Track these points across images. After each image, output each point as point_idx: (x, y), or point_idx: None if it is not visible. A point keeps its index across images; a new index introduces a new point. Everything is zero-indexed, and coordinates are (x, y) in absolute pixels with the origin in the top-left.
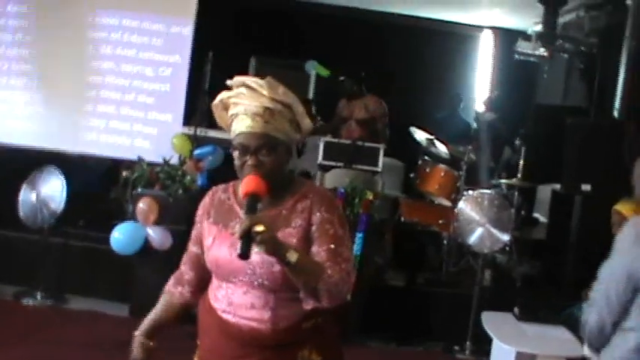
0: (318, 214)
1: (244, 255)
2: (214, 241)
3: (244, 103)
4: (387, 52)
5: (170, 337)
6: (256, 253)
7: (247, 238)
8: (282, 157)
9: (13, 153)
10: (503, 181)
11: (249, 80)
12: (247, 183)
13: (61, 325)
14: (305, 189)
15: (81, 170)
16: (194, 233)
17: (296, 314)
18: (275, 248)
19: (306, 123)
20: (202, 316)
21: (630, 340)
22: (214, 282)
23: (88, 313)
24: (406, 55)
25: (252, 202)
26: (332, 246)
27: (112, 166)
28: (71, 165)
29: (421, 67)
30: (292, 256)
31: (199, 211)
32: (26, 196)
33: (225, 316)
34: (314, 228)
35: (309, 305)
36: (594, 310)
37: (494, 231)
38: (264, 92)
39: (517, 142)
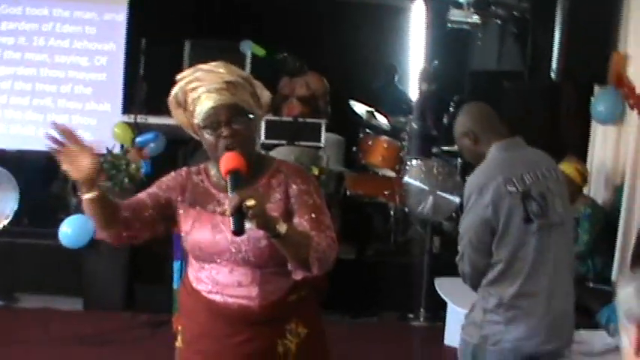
0: (294, 186)
1: (239, 231)
2: (194, 224)
3: (204, 84)
4: (321, 27)
5: (126, 327)
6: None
7: (239, 214)
8: (252, 127)
9: None
10: (445, 148)
11: (203, 65)
12: (226, 161)
13: (14, 326)
14: (276, 164)
15: (19, 167)
16: (153, 190)
17: (282, 288)
18: (266, 221)
19: (265, 95)
20: (185, 301)
21: (496, 269)
22: (194, 265)
23: (41, 311)
24: (340, 29)
25: (236, 179)
26: (313, 215)
27: (50, 161)
28: (9, 162)
29: (356, 42)
30: (282, 227)
31: (169, 182)
32: None
33: (211, 296)
34: (292, 200)
35: (298, 276)
36: (465, 259)
37: (446, 196)
38: (221, 70)
39: (451, 108)
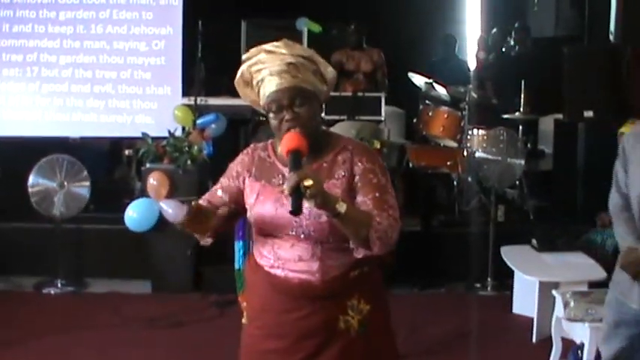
0: (359, 164)
1: (296, 211)
2: (258, 197)
3: (267, 66)
4: (374, 2)
5: (195, 308)
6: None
7: (297, 194)
8: (315, 108)
9: (13, 145)
10: (506, 116)
11: (266, 45)
12: (288, 140)
13: (85, 311)
14: (343, 141)
15: (83, 154)
16: (226, 182)
17: (343, 264)
18: (325, 201)
19: (330, 71)
20: (249, 276)
21: None
22: (258, 239)
23: (111, 295)
24: (395, 1)
25: (295, 159)
26: (377, 194)
27: (113, 146)
28: (73, 150)
29: (411, 13)
30: (342, 207)
31: (237, 167)
32: (43, 188)
33: (273, 271)
34: (357, 178)
35: (359, 254)
36: None
37: (511, 161)
38: (283, 50)
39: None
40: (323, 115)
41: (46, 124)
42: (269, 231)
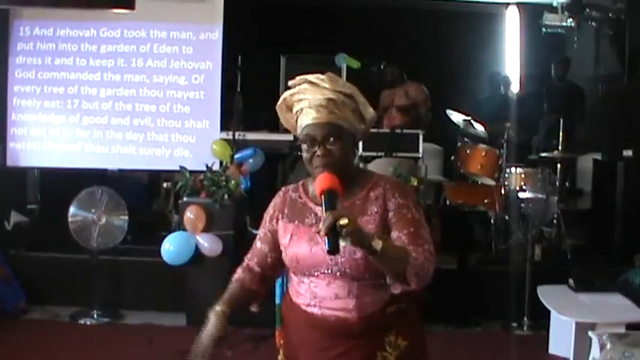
0: (393, 200)
1: (333, 251)
2: (292, 237)
3: (308, 98)
4: (415, 37)
5: (230, 341)
6: None
7: (334, 234)
8: (348, 146)
9: (53, 176)
10: (544, 154)
11: (311, 76)
12: (321, 181)
13: (120, 342)
14: (375, 178)
15: (121, 186)
16: (262, 232)
17: (380, 300)
18: (361, 239)
19: (369, 112)
20: (286, 315)
21: None
22: (294, 278)
23: (146, 327)
24: (434, 38)
25: (330, 198)
26: (412, 229)
27: (151, 179)
28: (111, 182)
29: (450, 49)
30: (377, 244)
31: (270, 211)
32: (82, 219)
33: (310, 309)
34: (391, 214)
35: (397, 290)
36: None
37: (548, 199)
38: (326, 85)
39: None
40: (360, 151)
41: (85, 156)
42: (304, 270)
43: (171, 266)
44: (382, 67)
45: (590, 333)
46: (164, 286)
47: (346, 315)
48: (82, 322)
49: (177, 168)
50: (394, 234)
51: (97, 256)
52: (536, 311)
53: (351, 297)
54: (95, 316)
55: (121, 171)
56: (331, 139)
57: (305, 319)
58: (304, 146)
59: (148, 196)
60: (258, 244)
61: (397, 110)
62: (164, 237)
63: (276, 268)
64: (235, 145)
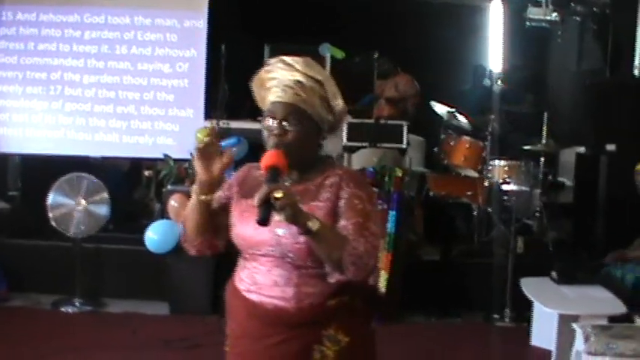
0: (347, 188)
1: (263, 221)
2: (242, 214)
3: (278, 77)
4: (399, 28)
5: (212, 331)
6: (280, 223)
7: (267, 205)
8: (307, 130)
9: (35, 162)
10: (527, 147)
11: (287, 57)
12: (267, 157)
13: (102, 330)
14: (335, 167)
15: (103, 173)
16: (218, 194)
17: (321, 292)
18: (295, 215)
19: (339, 103)
20: (229, 301)
21: None
22: (239, 264)
23: (128, 315)
24: (418, 30)
25: (272, 174)
26: (360, 220)
27: (132, 167)
28: (93, 169)
29: (433, 42)
30: (314, 224)
31: (232, 181)
32: (62, 206)
33: (249, 295)
34: (342, 202)
35: (333, 279)
36: None
37: (531, 192)
38: (298, 67)
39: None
40: (345, 141)
41: (68, 143)
42: (248, 248)
43: (154, 255)
44: (375, 57)
45: (574, 325)
46: (147, 274)
47: (284, 304)
48: (63, 310)
49: (161, 156)
50: (341, 222)
51: (79, 243)
52: (517, 303)
53: (291, 285)
54: (77, 304)
55: (104, 158)
56: (291, 120)
57: (245, 306)
58: (264, 123)
59: (129, 184)
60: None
61: (385, 102)
62: (146, 225)
63: (221, 232)
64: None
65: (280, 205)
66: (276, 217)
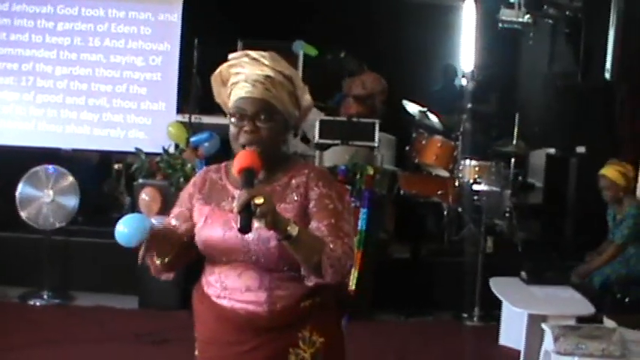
0: (315, 189)
1: (244, 229)
2: (206, 220)
3: (245, 72)
4: (372, 26)
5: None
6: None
7: (247, 212)
8: (278, 128)
9: (4, 154)
10: (499, 148)
11: (252, 52)
12: (241, 158)
13: (70, 324)
14: (300, 166)
15: (74, 166)
16: (177, 210)
17: (293, 294)
18: (275, 221)
19: (306, 99)
20: (196, 307)
21: None
22: (206, 268)
23: (97, 309)
24: (391, 29)
25: (248, 177)
26: (332, 220)
27: (101, 160)
28: (64, 161)
29: (406, 41)
30: (293, 230)
31: (190, 189)
32: (31, 198)
33: (219, 301)
34: (312, 204)
35: (311, 282)
36: None
37: (501, 193)
38: (266, 62)
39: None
40: (317, 138)
41: (38, 135)
42: (216, 255)
43: (124, 248)
44: (342, 56)
45: (543, 325)
46: (116, 268)
47: (256, 308)
48: (31, 303)
49: (132, 149)
50: (313, 224)
51: (49, 236)
52: (486, 303)
53: (263, 289)
54: (45, 297)
55: (74, 151)
56: (262, 116)
57: (214, 312)
58: (233, 120)
59: (99, 177)
60: (172, 221)
61: (353, 99)
62: (116, 218)
63: (184, 249)
64: (191, 128)
65: (261, 212)
66: (256, 224)
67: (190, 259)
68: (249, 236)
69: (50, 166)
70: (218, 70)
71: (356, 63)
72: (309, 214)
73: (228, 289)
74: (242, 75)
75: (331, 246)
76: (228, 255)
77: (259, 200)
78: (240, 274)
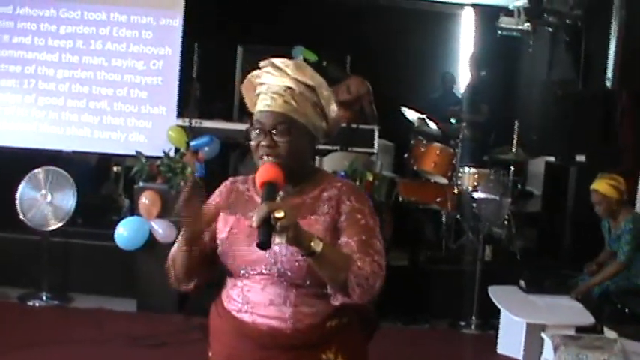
0: (348, 203)
1: (264, 244)
2: (231, 231)
3: (267, 82)
4: (372, 34)
5: (179, 330)
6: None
7: (267, 226)
8: (299, 141)
9: (6, 155)
10: (498, 156)
11: (277, 60)
12: (263, 172)
13: (68, 325)
14: (332, 179)
15: (75, 168)
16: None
17: (320, 312)
18: (297, 236)
19: (333, 109)
20: (214, 322)
21: None
22: (228, 282)
23: (95, 311)
24: (391, 36)
25: (269, 191)
26: (363, 237)
27: (100, 163)
28: (64, 163)
29: (406, 48)
30: (317, 245)
31: (215, 198)
32: (30, 199)
33: (240, 315)
34: (343, 218)
35: (337, 301)
36: None
37: (500, 200)
38: (289, 72)
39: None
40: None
41: (40, 137)
42: (241, 267)
43: (123, 251)
44: (324, 64)
45: (543, 334)
46: (115, 270)
47: (280, 325)
48: (30, 303)
49: (133, 153)
50: (343, 239)
51: (47, 237)
52: (484, 311)
53: (288, 305)
54: (44, 298)
55: (75, 153)
56: (280, 130)
57: (234, 327)
58: (253, 133)
59: (98, 179)
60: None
61: (340, 105)
62: (115, 221)
63: (208, 262)
64: (191, 132)
65: (281, 227)
66: (277, 239)
67: (210, 276)
68: (277, 247)
69: (49, 168)
70: (247, 78)
71: (338, 69)
72: (340, 228)
73: (251, 302)
74: (264, 86)
75: (359, 264)
76: (253, 267)
77: (279, 214)
78: (264, 287)
